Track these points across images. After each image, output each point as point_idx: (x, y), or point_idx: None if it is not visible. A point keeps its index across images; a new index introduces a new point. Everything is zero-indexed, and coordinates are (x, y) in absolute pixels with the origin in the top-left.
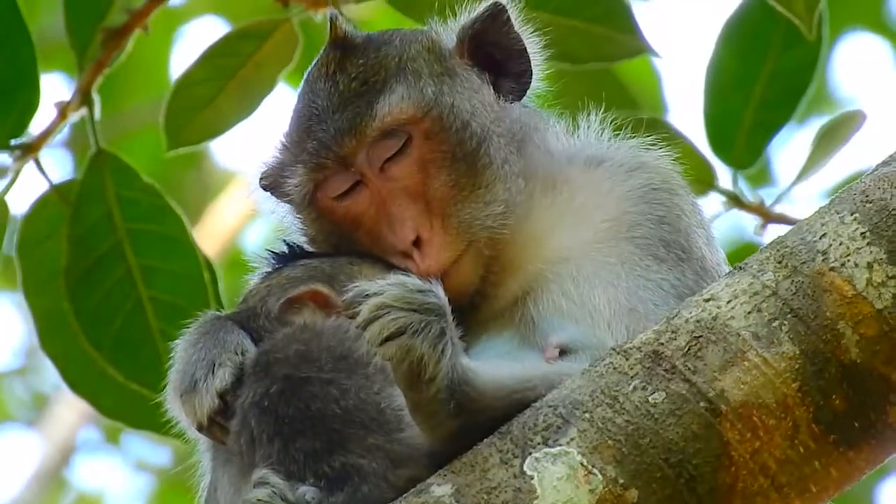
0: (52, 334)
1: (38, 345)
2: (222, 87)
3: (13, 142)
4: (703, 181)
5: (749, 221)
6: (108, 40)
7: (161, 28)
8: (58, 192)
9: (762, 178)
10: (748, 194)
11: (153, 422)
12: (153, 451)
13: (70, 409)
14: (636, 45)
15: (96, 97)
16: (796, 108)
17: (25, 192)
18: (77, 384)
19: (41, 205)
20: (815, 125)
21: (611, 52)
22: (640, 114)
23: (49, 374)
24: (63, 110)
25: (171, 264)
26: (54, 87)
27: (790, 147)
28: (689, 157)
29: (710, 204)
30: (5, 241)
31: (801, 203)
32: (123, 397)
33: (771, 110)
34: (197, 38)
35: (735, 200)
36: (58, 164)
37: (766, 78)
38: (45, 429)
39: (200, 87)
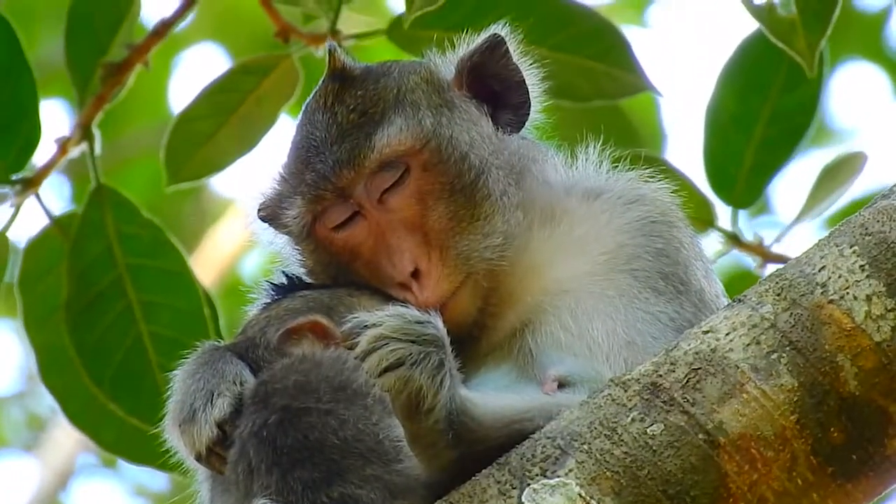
0: (52, 369)
1: (37, 374)
2: (223, 123)
3: (14, 177)
4: (703, 220)
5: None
6: (108, 76)
7: (159, 55)
8: (58, 226)
9: (758, 209)
10: (748, 234)
11: (154, 457)
12: (152, 476)
13: (68, 433)
14: (637, 83)
15: (97, 132)
16: (797, 148)
17: (25, 223)
18: (78, 419)
19: (42, 239)
20: (811, 156)
21: (612, 89)
22: (639, 150)
23: (47, 399)
24: (63, 145)
25: (172, 299)
26: (51, 114)
27: (785, 177)
28: (689, 196)
29: (710, 243)
30: (7, 272)
31: (798, 238)
32: (124, 432)
33: (771, 150)
34: (195, 64)
35: (734, 240)
36: (54, 189)
37: (767, 118)
38: (43, 454)
39: (201, 123)
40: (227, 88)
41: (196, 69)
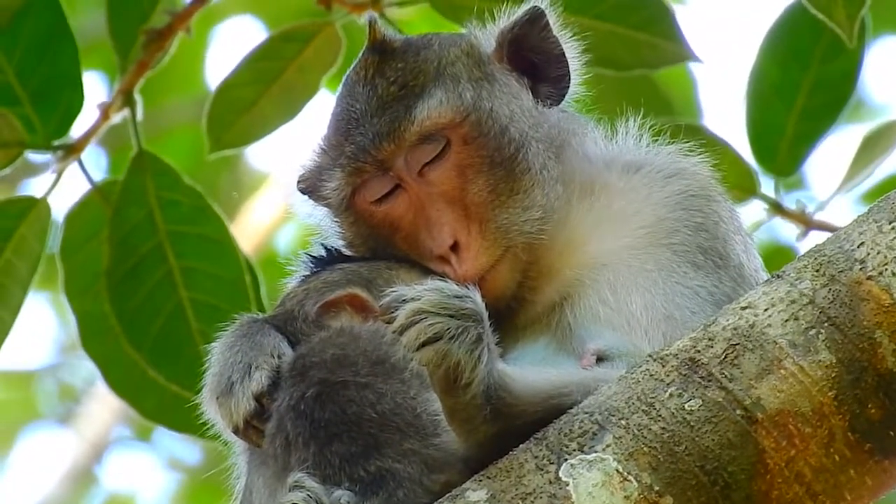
0: (93, 336)
1: (75, 343)
2: (265, 91)
3: (56, 143)
4: (746, 188)
5: (786, 227)
6: (150, 42)
7: (196, 26)
8: (100, 192)
9: (794, 183)
10: (789, 202)
11: (194, 424)
12: (186, 449)
13: (103, 406)
14: (679, 52)
15: (138, 98)
16: (838, 117)
17: (66, 191)
18: (118, 386)
19: (83, 206)
20: (846, 132)
21: (653, 58)
22: (679, 120)
23: (81, 371)
24: (105, 111)
25: (212, 266)
26: (91, 86)
27: (820, 152)
28: (732, 164)
29: (753, 211)
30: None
31: (835, 209)
32: (164, 399)
33: (813, 120)
34: (231, 36)
35: (776, 208)
36: (90, 159)
37: (809, 87)
38: (78, 426)
39: (243, 91)
40: (269, 56)
41: (232, 42)
